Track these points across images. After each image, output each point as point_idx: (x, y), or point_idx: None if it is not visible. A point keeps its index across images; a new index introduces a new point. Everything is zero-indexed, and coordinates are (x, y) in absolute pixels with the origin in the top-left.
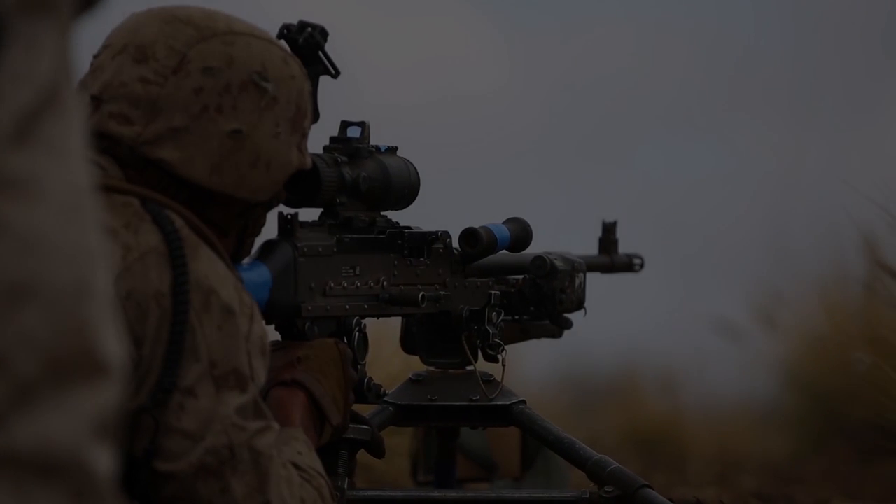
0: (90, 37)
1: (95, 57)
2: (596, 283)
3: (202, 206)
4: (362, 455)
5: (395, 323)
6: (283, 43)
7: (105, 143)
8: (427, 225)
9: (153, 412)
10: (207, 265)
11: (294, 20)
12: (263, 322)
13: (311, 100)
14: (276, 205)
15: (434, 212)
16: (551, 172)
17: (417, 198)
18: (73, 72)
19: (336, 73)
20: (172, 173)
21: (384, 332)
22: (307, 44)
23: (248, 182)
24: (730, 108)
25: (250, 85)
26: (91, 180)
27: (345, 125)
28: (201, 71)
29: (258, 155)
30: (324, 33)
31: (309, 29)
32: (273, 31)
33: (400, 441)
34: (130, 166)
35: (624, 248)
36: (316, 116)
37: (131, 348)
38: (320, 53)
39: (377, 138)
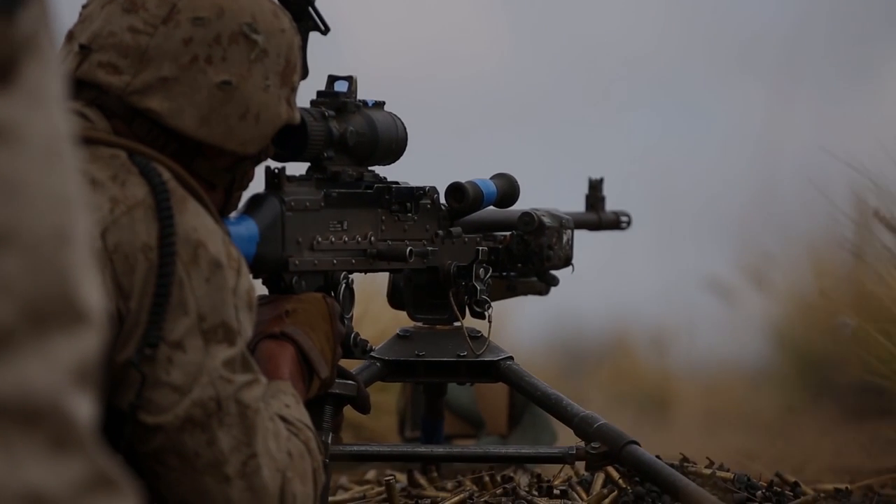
0: None
1: (84, 7)
2: (585, 244)
3: (190, 159)
4: (349, 412)
5: (384, 279)
6: None
7: (93, 92)
8: (415, 182)
9: (140, 366)
10: (195, 218)
11: None
12: (251, 276)
13: (300, 55)
14: (265, 159)
15: (422, 168)
16: (540, 133)
17: (405, 154)
18: (53, 19)
19: (326, 30)
20: (161, 124)
21: (373, 288)
22: None
23: (237, 134)
24: (719, 70)
25: (240, 36)
26: (71, 127)
27: (332, 79)
28: (191, 21)
29: (247, 107)
30: None
31: None
32: None
33: (387, 398)
34: (118, 117)
35: (613, 210)
36: (305, 73)
37: (119, 301)
38: (310, 9)
39: (365, 96)
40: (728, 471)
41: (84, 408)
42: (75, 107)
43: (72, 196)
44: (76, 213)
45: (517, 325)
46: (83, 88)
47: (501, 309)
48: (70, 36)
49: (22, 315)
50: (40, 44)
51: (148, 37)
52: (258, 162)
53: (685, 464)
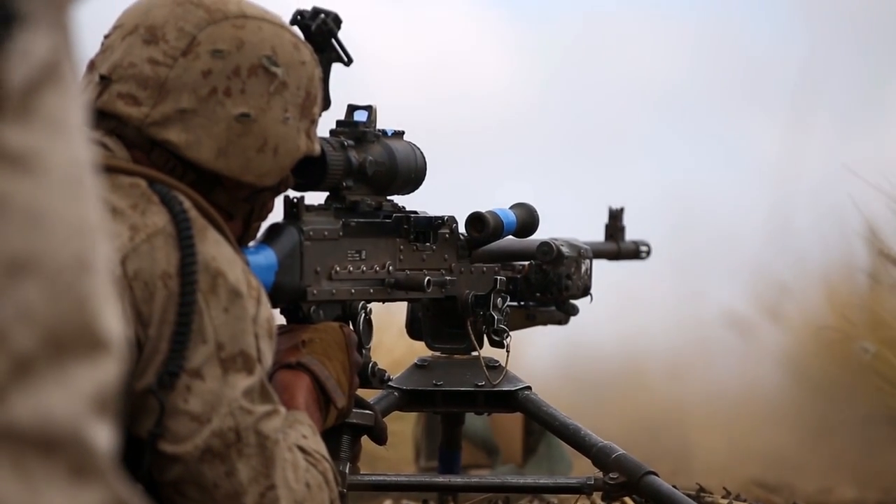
0: (102, 17)
1: (106, 37)
2: (601, 274)
3: (208, 190)
4: (365, 443)
5: (399, 309)
6: (294, 28)
7: (112, 123)
8: (433, 211)
9: (159, 394)
10: (215, 247)
11: (307, 6)
12: (270, 305)
13: (321, 86)
14: (284, 190)
15: (440, 198)
16: (557, 164)
17: (424, 183)
18: (75, 48)
19: (349, 61)
20: (178, 155)
21: (388, 318)
22: (320, 30)
23: (255, 166)
24: (735, 100)
25: (260, 69)
26: (91, 155)
27: (351, 109)
28: (210, 53)
29: (265, 140)
30: (337, 20)
31: (322, 15)
32: (286, 18)
33: (403, 428)
34: (137, 147)
35: (633, 239)
36: (327, 104)
37: (138, 328)
38: (333, 40)
39: (384, 126)
40: (744, 501)
41: (104, 436)
42: (95, 136)
43: (93, 224)
44: (97, 241)
45: (532, 354)
46: (103, 118)
47: (517, 339)
48: (91, 66)
49: (42, 343)
50: (61, 74)
51: (167, 68)
52: (278, 193)
53: (702, 494)
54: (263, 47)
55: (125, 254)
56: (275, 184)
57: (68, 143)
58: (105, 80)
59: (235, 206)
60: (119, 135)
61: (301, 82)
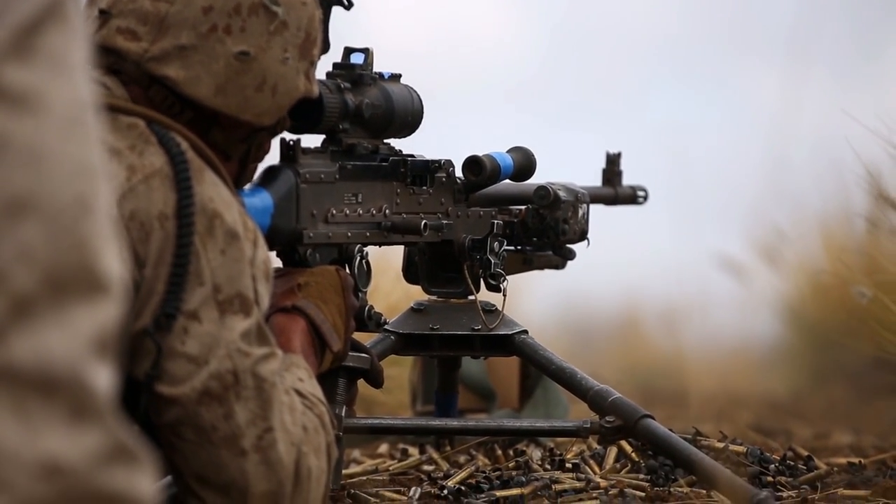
0: None
1: None
2: (597, 221)
3: (205, 129)
4: (361, 387)
5: (396, 253)
6: None
7: (111, 58)
8: (430, 155)
9: (156, 336)
10: (212, 189)
11: None
12: (267, 247)
13: (321, 28)
14: (281, 131)
15: (437, 142)
16: (554, 110)
17: (420, 127)
18: None
19: (349, 5)
20: (177, 92)
21: (384, 262)
22: None
23: (253, 105)
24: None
25: (260, 7)
26: (93, 95)
27: (348, 51)
28: None
29: (264, 78)
30: None
31: None
32: None
33: (399, 372)
34: (135, 83)
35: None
36: (326, 47)
37: (134, 269)
38: None
39: (381, 69)
40: (741, 445)
41: (103, 378)
42: (95, 76)
43: (94, 165)
44: (98, 182)
45: (528, 301)
46: (101, 54)
47: (512, 283)
48: (91, 1)
49: (42, 283)
50: (65, 12)
51: (168, 4)
52: (274, 134)
53: (698, 438)
54: None
55: (122, 194)
56: (272, 124)
57: (70, 82)
58: (105, 15)
59: (232, 146)
60: (117, 71)
61: (301, 23)
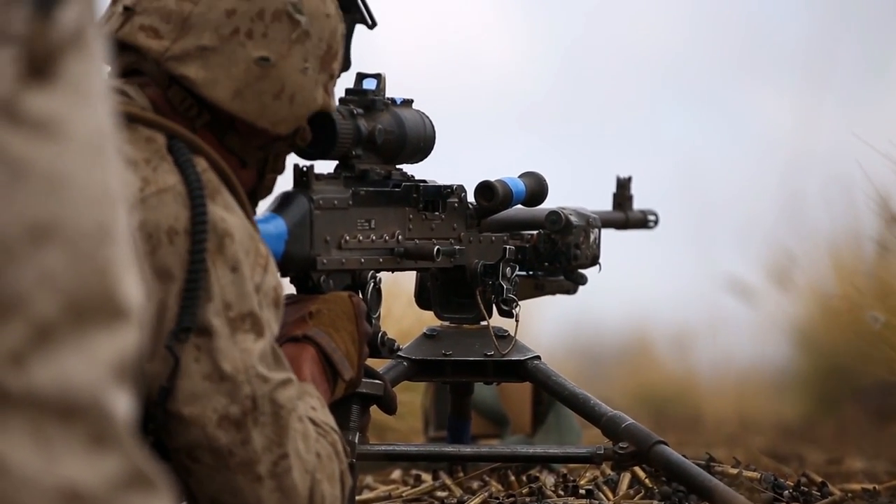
0: None
1: None
2: (609, 244)
3: (222, 133)
4: (373, 413)
5: (408, 279)
6: None
7: (132, 56)
8: (442, 180)
9: (174, 348)
10: (224, 210)
11: None
12: (278, 273)
13: (343, 44)
14: (300, 144)
15: (449, 167)
16: (566, 135)
17: (433, 153)
18: (96, 12)
19: (372, 24)
20: (195, 93)
21: (396, 288)
22: None
23: (270, 112)
24: (743, 69)
25: (284, 15)
26: (113, 121)
27: (361, 77)
28: None
29: (283, 86)
30: None
31: None
32: None
33: (411, 398)
34: (155, 83)
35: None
36: (347, 64)
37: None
38: (359, 1)
39: (393, 94)
40: (755, 471)
41: (122, 404)
42: (116, 84)
43: (114, 191)
44: (118, 209)
45: (539, 324)
46: (122, 51)
47: (523, 308)
48: None
49: (64, 310)
50: (86, 39)
51: (192, 4)
52: (293, 145)
53: (711, 464)
54: None
55: (132, 204)
56: (289, 133)
57: (91, 108)
58: (128, 12)
59: (249, 152)
60: (136, 71)
61: (323, 34)
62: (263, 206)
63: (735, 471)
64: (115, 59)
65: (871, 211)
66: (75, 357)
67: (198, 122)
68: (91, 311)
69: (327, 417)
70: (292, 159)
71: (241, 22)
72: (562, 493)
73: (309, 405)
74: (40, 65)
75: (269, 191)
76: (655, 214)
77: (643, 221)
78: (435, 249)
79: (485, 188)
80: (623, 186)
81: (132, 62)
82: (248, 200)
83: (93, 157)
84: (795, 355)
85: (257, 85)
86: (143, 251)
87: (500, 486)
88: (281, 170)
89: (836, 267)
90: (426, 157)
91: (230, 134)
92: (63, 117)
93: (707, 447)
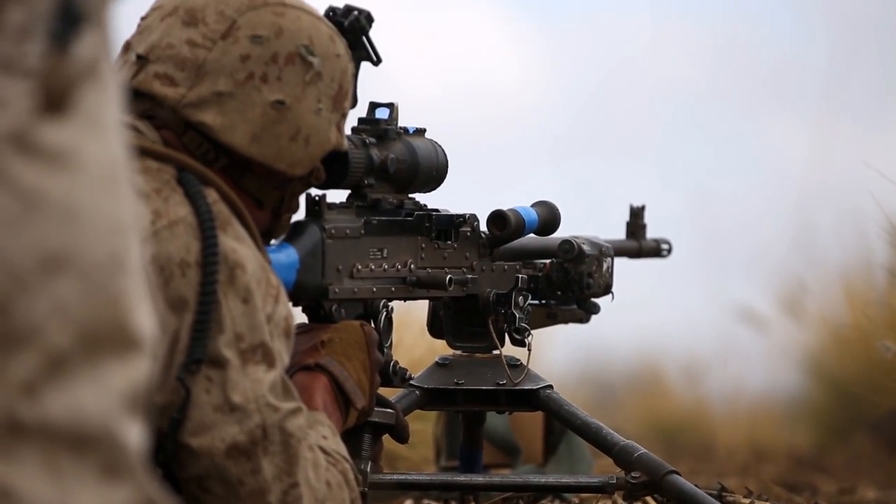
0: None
1: (143, 18)
2: (621, 272)
3: (239, 175)
4: (384, 442)
5: (420, 308)
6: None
7: (146, 104)
8: (455, 209)
9: (186, 380)
10: (235, 241)
11: (340, 3)
12: (289, 304)
13: (352, 82)
14: (315, 183)
15: (461, 196)
16: (579, 163)
17: (445, 181)
18: (112, 45)
19: (378, 61)
20: (212, 138)
21: (408, 317)
22: (352, 27)
23: (287, 154)
24: (755, 100)
25: (297, 57)
26: (126, 153)
27: (373, 106)
28: (250, 38)
29: (298, 128)
30: (369, 18)
31: (355, 12)
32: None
33: (423, 427)
34: (170, 129)
35: (654, 237)
36: (354, 101)
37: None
38: (364, 38)
39: (406, 124)
40: (767, 500)
41: (134, 434)
42: (128, 119)
43: (127, 222)
44: (130, 239)
45: (550, 353)
46: (137, 99)
47: (535, 338)
48: (127, 46)
49: (77, 340)
50: (100, 71)
51: (206, 51)
52: (309, 185)
53: (724, 493)
54: (301, 36)
55: (145, 237)
56: (304, 174)
57: (104, 140)
58: (142, 60)
59: (265, 193)
60: (152, 116)
61: (335, 75)
62: None
63: (747, 500)
64: (129, 105)
65: (883, 240)
66: (88, 387)
67: (215, 166)
68: (103, 342)
69: (339, 446)
70: (315, 185)
71: (256, 66)
72: None
73: (320, 434)
74: (56, 99)
75: (284, 230)
76: (668, 243)
77: (656, 250)
78: (447, 278)
79: (497, 217)
80: (636, 215)
81: (146, 109)
82: (262, 238)
83: (106, 187)
84: (807, 384)
85: (274, 128)
86: (157, 284)
87: None
88: (296, 209)
89: (848, 296)
90: (439, 186)
91: (247, 176)
92: (77, 148)
93: (719, 476)
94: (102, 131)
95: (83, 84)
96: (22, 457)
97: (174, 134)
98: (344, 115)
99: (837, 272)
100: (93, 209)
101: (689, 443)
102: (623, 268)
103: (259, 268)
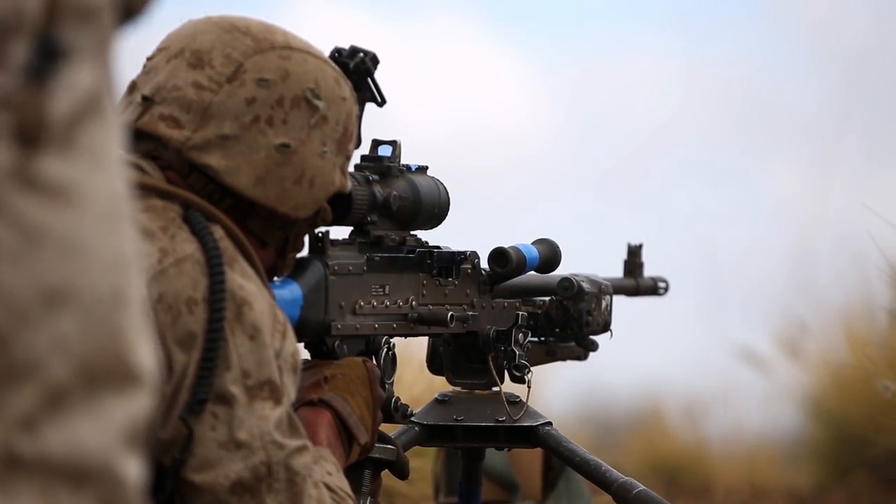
0: (144, 40)
1: (149, 59)
2: (620, 311)
3: (243, 216)
4: (384, 478)
5: (418, 344)
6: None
7: (150, 144)
8: (456, 246)
9: (189, 420)
10: (242, 277)
11: (345, 44)
12: (295, 339)
13: (356, 124)
14: (321, 224)
15: (462, 234)
16: (579, 201)
17: (447, 219)
18: (115, 81)
19: (382, 102)
20: (216, 181)
21: (408, 353)
22: (358, 69)
23: (291, 197)
24: (755, 139)
25: (303, 101)
26: (128, 188)
27: (376, 144)
28: (256, 82)
29: (303, 171)
30: (375, 60)
31: (361, 54)
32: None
33: (422, 464)
34: (174, 170)
35: (651, 276)
36: (358, 142)
37: (161, 352)
38: (369, 80)
39: (407, 161)
40: None
41: (133, 469)
42: (131, 158)
43: (128, 258)
44: (132, 273)
45: (550, 391)
46: (141, 140)
47: (536, 375)
48: (132, 87)
49: (77, 375)
50: (103, 106)
51: (212, 93)
52: (315, 225)
53: None
54: (307, 80)
55: (152, 276)
56: (308, 216)
57: (107, 175)
58: (147, 101)
59: (269, 233)
60: (155, 157)
61: (340, 117)
62: None
63: None
64: (134, 146)
65: (883, 281)
66: (88, 422)
67: (220, 207)
68: (104, 376)
69: (343, 483)
70: (320, 225)
71: (262, 109)
72: None
73: (325, 470)
74: (32, 133)
75: (289, 269)
76: (666, 282)
77: (654, 288)
78: (449, 315)
79: (498, 255)
80: (634, 253)
81: (151, 149)
82: (266, 275)
83: (108, 222)
84: (807, 424)
85: (278, 171)
86: (165, 322)
87: None
88: (300, 248)
89: (848, 336)
90: (440, 223)
91: (252, 217)
92: (79, 183)
93: None
94: (105, 166)
95: (85, 119)
96: (20, 492)
97: (179, 175)
98: (348, 158)
99: (837, 312)
100: (95, 244)
101: (688, 481)
102: (622, 306)
103: (266, 304)
